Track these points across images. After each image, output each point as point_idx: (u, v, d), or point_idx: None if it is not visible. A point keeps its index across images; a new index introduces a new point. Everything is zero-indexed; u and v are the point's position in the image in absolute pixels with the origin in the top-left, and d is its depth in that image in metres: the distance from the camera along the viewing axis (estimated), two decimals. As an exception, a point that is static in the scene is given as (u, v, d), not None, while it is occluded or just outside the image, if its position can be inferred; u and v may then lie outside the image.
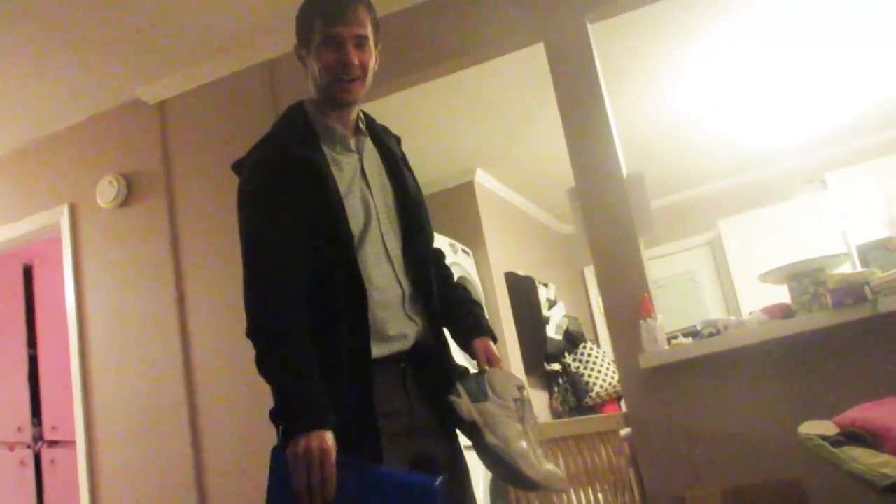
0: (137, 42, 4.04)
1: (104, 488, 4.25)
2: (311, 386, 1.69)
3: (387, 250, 1.95)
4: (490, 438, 1.89)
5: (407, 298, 1.94)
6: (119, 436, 4.27)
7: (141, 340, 4.31)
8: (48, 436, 4.99)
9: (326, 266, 1.83)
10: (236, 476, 3.84)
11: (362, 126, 2.05)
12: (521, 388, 2.02)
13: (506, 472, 1.88)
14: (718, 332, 3.19)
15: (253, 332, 1.77)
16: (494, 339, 2.15)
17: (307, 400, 1.67)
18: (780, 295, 3.29)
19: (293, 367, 1.70)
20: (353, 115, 2.04)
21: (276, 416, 1.70)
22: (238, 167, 1.99)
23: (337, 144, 1.99)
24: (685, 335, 3.30)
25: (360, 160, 2.01)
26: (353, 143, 2.02)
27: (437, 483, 1.69)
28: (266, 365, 1.73)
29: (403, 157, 2.15)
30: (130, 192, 4.52)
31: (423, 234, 2.05)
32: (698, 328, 3.28)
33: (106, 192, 4.52)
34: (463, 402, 1.94)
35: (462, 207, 5.75)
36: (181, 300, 4.25)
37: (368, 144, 2.05)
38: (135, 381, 4.29)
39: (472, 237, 5.67)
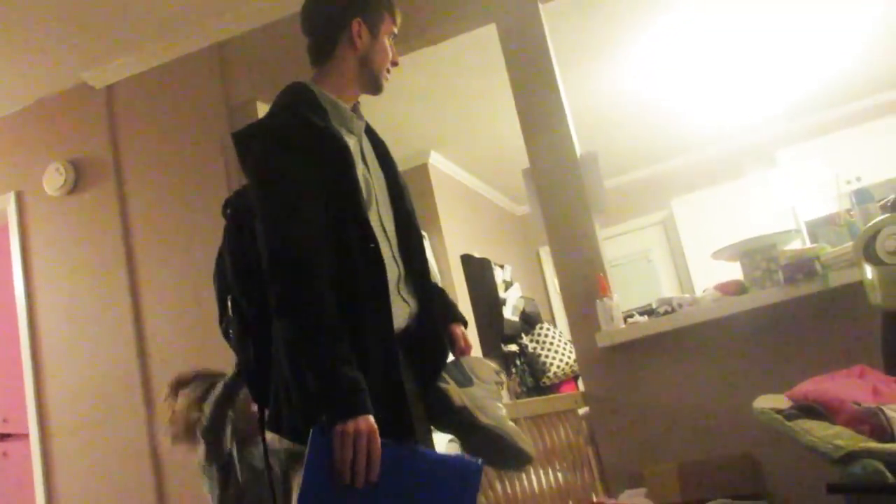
0: (83, 24, 3.95)
1: (59, 479, 4.19)
2: (354, 371, 1.67)
3: (384, 231, 1.95)
4: (484, 420, 1.91)
5: (401, 278, 1.93)
6: (73, 426, 4.20)
7: (93, 329, 4.24)
8: (0, 428, 4.89)
9: (346, 244, 1.80)
10: (194, 460, 3.80)
11: (360, 112, 2.06)
12: (498, 371, 2.05)
13: (502, 450, 1.89)
14: (673, 310, 3.22)
15: (287, 318, 1.71)
16: (466, 325, 2.18)
17: (352, 384, 1.65)
18: (733, 272, 3.33)
19: (334, 352, 1.67)
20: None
21: (314, 399, 1.66)
22: (245, 137, 1.90)
23: (344, 124, 1.97)
24: (641, 313, 3.33)
25: (360, 142, 2.01)
26: (355, 125, 2.01)
27: (480, 463, 1.70)
28: (304, 350, 1.68)
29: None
30: (79, 179, 4.43)
31: (413, 217, 2.05)
32: (654, 306, 3.30)
33: (53, 179, 4.42)
34: (452, 388, 1.95)
35: (416, 190, 5.73)
36: (133, 287, 4.19)
37: (362, 128, 2.06)
38: (88, 370, 4.22)
39: (427, 220, 5.66)
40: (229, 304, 1.96)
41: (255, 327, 1.88)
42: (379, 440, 1.63)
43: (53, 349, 4.33)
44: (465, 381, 1.99)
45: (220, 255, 2.04)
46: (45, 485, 4.20)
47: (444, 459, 1.76)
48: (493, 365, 2.08)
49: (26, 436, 4.38)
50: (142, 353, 4.10)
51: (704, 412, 3.15)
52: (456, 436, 1.96)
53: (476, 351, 5.53)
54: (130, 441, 4.03)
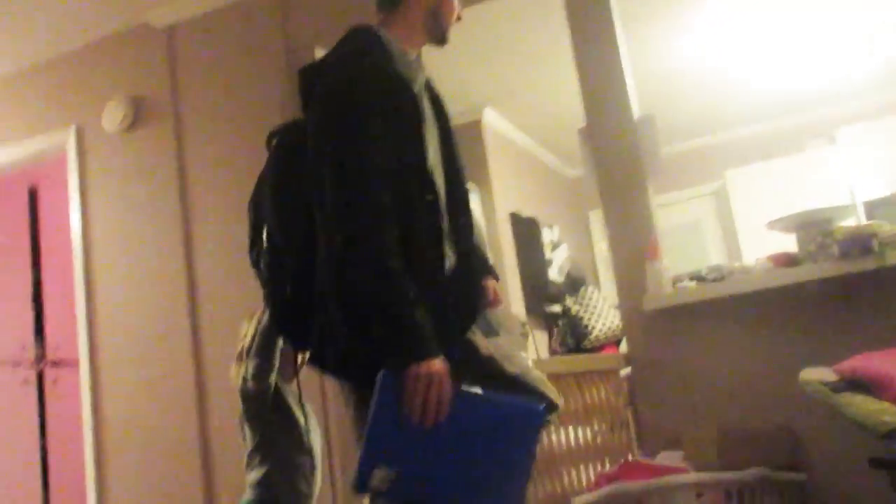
0: (149, -38, 3.98)
1: (106, 407, 4.31)
2: (425, 314, 1.69)
3: (437, 184, 1.95)
4: (511, 369, 1.93)
5: (445, 233, 1.94)
6: (122, 356, 4.31)
7: (145, 264, 4.32)
8: (51, 356, 5.03)
9: (407, 193, 1.81)
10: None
11: (422, 63, 2.06)
12: (523, 324, 2.10)
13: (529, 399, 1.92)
14: (723, 278, 3.19)
15: (354, 262, 1.71)
16: (497, 279, 2.20)
17: (425, 327, 1.68)
18: (785, 247, 3.29)
19: (406, 297, 1.69)
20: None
21: (384, 342, 1.68)
22: (313, 76, 1.90)
23: (409, 74, 1.95)
24: (690, 279, 3.31)
25: (421, 94, 1.99)
26: (418, 76, 2.00)
27: (543, 408, 1.76)
28: (375, 295, 1.69)
29: None
30: (137, 116, 4.49)
31: (463, 173, 2.05)
32: (703, 273, 3.28)
33: (113, 115, 4.49)
34: (479, 339, 1.97)
35: (469, 146, 5.72)
36: (186, 226, 4.26)
37: (424, 80, 2.05)
38: (138, 303, 4.32)
39: (477, 176, 5.65)
40: (264, 235, 1.99)
41: (294, 266, 1.89)
42: (450, 382, 1.65)
43: (106, 282, 4.43)
44: (491, 332, 2.01)
45: (259, 185, 2.05)
46: (93, 412, 4.32)
47: (508, 402, 1.79)
48: (518, 317, 2.13)
49: (76, 363, 4.50)
50: (191, 289, 4.18)
51: (747, 381, 3.14)
52: (482, 385, 1.97)
53: (519, 308, 5.55)
54: (176, 373, 4.13)
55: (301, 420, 2.88)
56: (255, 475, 2.85)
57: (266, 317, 2.80)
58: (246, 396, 2.85)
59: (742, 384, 3.15)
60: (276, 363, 2.83)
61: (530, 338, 3.70)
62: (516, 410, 1.73)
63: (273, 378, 2.84)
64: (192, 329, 4.13)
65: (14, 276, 5.10)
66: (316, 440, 2.95)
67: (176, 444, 4.10)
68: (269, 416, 2.86)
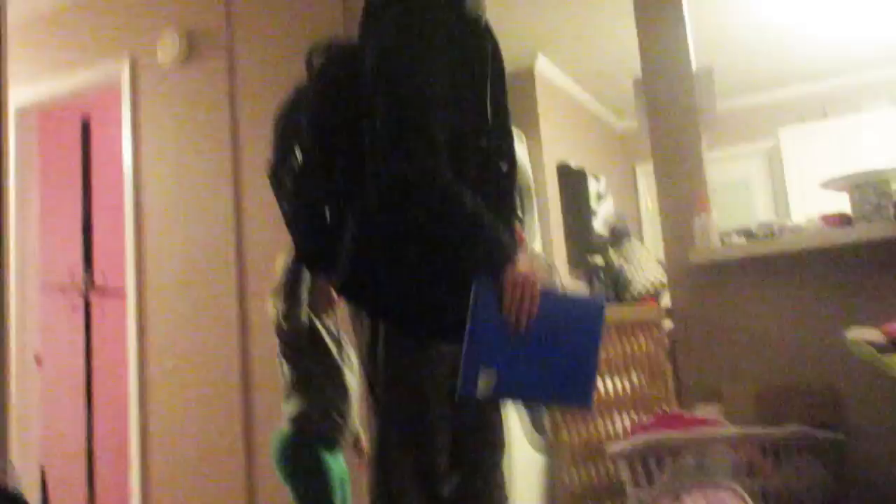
0: None
1: (151, 335, 4.39)
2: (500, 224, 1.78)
3: None
4: None
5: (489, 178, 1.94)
6: (168, 287, 4.38)
7: (194, 197, 4.37)
8: (99, 283, 5.13)
9: (461, 132, 1.83)
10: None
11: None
12: (550, 264, 2.13)
13: None
14: (773, 235, 3.15)
15: (423, 184, 1.73)
16: (522, 223, 2.19)
17: (506, 235, 1.77)
18: (837, 209, 3.23)
19: (482, 206, 1.75)
20: None
21: (477, 252, 1.73)
22: (378, 8, 1.89)
23: (478, 11, 1.94)
24: (739, 235, 3.27)
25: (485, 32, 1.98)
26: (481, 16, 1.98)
27: (603, 299, 2.02)
28: (456, 211, 1.73)
29: None
30: (191, 50, 4.50)
31: (510, 118, 2.03)
32: (753, 229, 3.24)
33: (167, 48, 4.50)
34: None
35: (519, 92, 5.67)
36: (236, 162, 4.29)
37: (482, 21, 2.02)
38: (186, 235, 4.37)
39: (527, 123, 5.60)
40: (296, 154, 1.97)
41: (336, 193, 1.89)
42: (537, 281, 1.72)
43: (155, 214, 4.49)
44: None
45: (293, 106, 2.05)
46: (138, 339, 4.41)
47: (577, 299, 1.99)
48: (544, 257, 2.14)
49: (123, 292, 4.59)
50: (238, 223, 4.22)
51: (790, 340, 3.11)
52: None
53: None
54: (221, 304, 4.19)
55: (336, 356, 2.91)
56: (291, 409, 2.89)
57: (291, 254, 2.80)
58: (280, 334, 2.88)
59: (785, 342, 3.12)
60: (304, 299, 2.83)
61: (556, 279, 3.68)
62: (587, 304, 1.88)
63: (304, 314, 2.85)
64: (237, 262, 4.18)
65: (65, 204, 5.19)
66: (352, 375, 2.98)
67: (218, 374, 4.18)
68: (304, 353, 2.89)
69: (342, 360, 2.96)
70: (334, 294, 2.89)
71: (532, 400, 1.93)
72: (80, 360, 5.05)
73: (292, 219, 2.02)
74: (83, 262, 5.20)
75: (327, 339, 2.93)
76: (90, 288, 5.15)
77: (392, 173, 1.74)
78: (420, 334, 1.84)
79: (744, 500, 1.16)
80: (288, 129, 2.04)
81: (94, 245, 5.27)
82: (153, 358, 4.37)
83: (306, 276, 2.84)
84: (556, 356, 1.75)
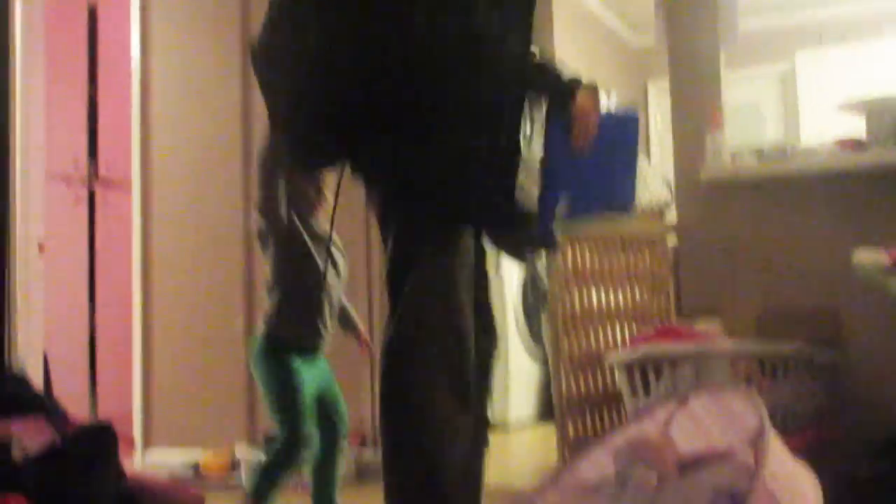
0: None
1: (155, 228, 4.40)
2: None
3: None
4: None
5: None
6: (174, 182, 4.36)
7: (203, 90, 4.32)
8: (103, 174, 5.11)
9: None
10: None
11: None
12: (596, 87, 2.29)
13: None
14: (786, 157, 3.13)
15: (480, 40, 1.81)
16: None
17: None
18: (850, 134, 3.20)
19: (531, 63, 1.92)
20: None
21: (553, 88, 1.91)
22: None
23: None
24: (751, 155, 3.25)
25: None
26: None
27: (637, 112, 2.38)
28: (511, 74, 1.85)
29: None
30: (202, -61, 4.40)
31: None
32: (764, 150, 3.22)
33: (176, -66, 4.39)
34: None
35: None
36: (245, 61, 4.22)
37: None
38: (193, 129, 4.34)
39: (539, 32, 5.50)
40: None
41: (351, 74, 1.81)
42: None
43: (162, 106, 4.44)
44: None
45: None
46: (142, 233, 4.42)
47: (616, 115, 2.48)
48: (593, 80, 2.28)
49: (127, 185, 4.58)
50: (246, 117, 4.18)
51: (795, 260, 3.12)
52: None
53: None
54: (226, 198, 4.19)
55: (317, 257, 2.74)
56: (267, 309, 2.78)
57: (265, 144, 2.63)
58: (257, 231, 2.76)
59: (790, 262, 3.13)
60: (282, 195, 2.65)
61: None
62: (626, 118, 2.22)
63: (283, 211, 2.66)
64: (243, 156, 4.15)
65: (70, 93, 5.12)
66: (337, 280, 2.83)
67: (222, 268, 4.20)
68: (281, 250, 2.73)
69: (326, 263, 2.78)
70: (326, 194, 2.74)
71: (592, 211, 2.12)
72: (84, 250, 5.07)
73: (288, 100, 1.95)
74: (88, 153, 5.17)
75: (308, 240, 2.74)
76: (94, 179, 5.13)
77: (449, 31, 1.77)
78: (457, 217, 1.83)
79: (751, 398, 1.17)
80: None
81: (98, 136, 5.23)
82: (157, 250, 4.39)
83: (280, 168, 2.62)
84: (607, 167, 1.96)
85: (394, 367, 1.77)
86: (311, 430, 2.70)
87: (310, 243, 2.74)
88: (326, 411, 2.81)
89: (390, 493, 1.77)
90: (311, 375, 2.75)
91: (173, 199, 4.38)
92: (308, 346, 2.76)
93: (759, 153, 3.27)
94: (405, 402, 1.75)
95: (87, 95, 5.24)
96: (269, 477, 2.67)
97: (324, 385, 2.82)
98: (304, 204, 2.75)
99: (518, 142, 1.90)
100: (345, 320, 2.95)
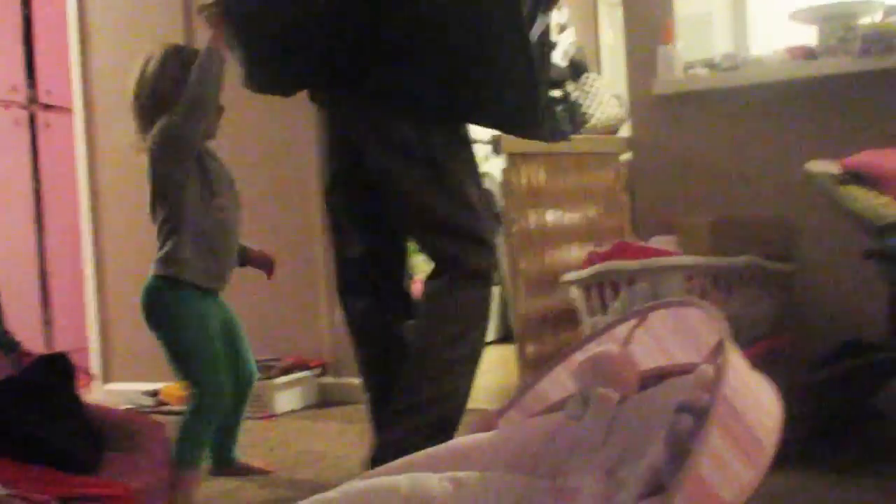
0: None
1: (101, 157, 4.30)
2: None
3: None
4: None
5: None
6: (118, 107, 4.23)
7: (142, 19, 4.17)
8: (43, 99, 4.95)
9: None
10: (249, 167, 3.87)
11: None
12: None
13: None
14: (737, 67, 3.12)
15: None
16: None
17: None
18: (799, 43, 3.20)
19: None
20: None
21: None
22: None
23: None
24: (703, 67, 3.24)
25: None
26: None
27: None
28: None
29: None
30: None
31: None
32: (717, 61, 3.21)
33: None
34: None
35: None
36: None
37: None
38: (135, 51, 4.19)
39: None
40: None
41: None
42: None
43: (100, 31, 4.30)
44: None
45: None
46: (88, 158, 4.31)
47: None
48: None
49: (68, 111, 4.45)
50: (188, 40, 4.06)
51: (749, 172, 3.15)
52: None
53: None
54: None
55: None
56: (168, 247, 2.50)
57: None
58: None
59: (743, 174, 3.16)
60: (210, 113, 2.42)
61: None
62: None
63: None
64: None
65: (2, 11, 4.91)
66: (235, 214, 2.59)
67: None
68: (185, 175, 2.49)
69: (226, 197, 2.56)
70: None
71: None
72: (28, 178, 4.94)
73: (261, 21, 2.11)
74: (26, 77, 4.99)
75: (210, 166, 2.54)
76: (35, 105, 4.96)
77: None
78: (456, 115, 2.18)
79: (710, 312, 1.18)
80: None
81: (35, 59, 5.04)
82: (103, 177, 4.29)
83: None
84: None
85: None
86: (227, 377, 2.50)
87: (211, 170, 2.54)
88: (235, 353, 2.60)
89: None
90: (215, 313, 2.55)
91: (117, 126, 4.26)
92: (216, 286, 2.54)
93: (711, 65, 3.26)
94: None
95: (22, 17, 5.04)
96: (198, 437, 2.44)
97: (229, 325, 2.62)
98: (213, 128, 2.54)
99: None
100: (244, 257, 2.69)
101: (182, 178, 2.47)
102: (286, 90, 2.40)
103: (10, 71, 4.86)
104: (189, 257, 2.45)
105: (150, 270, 2.51)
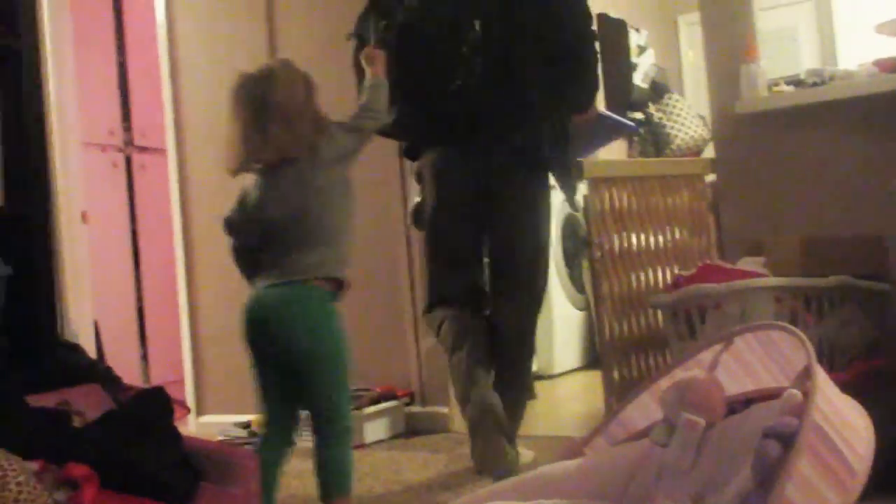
0: None
1: (193, 195, 4.44)
2: None
3: None
4: None
5: None
6: (207, 144, 4.38)
7: (230, 56, 4.32)
8: (138, 142, 5.15)
9: None
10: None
11: None
12: None
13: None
14: (823, 82, 3.06)
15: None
16: None
17: None
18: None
19: None
20: None
21: None
22: None
23: None
24: (787, 83, 3.18)
25: None
26: None
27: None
28: None
29: None
30: None
31: None
32: (802, 77, 3.15)
33: None
34: None
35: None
36: (271, 20, 4.22)
37: None
38: (223, 92, 4.33)
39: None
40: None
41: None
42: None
43: (191, 72, 4.45)
44: None
45: None
46: (181, 197, 4.45)
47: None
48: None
49: (163, 152, 4.61)
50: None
51: (838, 190, 3.07)
52: None
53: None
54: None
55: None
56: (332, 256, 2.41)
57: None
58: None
59: (832, 193, 3.08)
60: None
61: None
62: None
63: None
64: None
65: (99, 61, 5.14)
66: None
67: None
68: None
69: None
70: None
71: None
72: (126, 217, 5.13)
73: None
74: (122, 121, 5.20)
75: None
76: (130, 147, 5.17)
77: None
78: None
79: (797, 336, 1.16)
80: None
81: (131, 102, 5.26)
82: (196, 215, 4.42)
83: None
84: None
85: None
86: None
87: None
88: None
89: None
90: None
91: (208, 165, 4.40)
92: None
93: (796, 81, 3.20)
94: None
95: (117, 64, 5.26)
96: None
97: None
98: None
99: None
100: None
101: None
102: (429, 138, 2.92)
103: (107, 116, 5.08)
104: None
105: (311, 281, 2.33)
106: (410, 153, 3.07)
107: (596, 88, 2.98)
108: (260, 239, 2.41)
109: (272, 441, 2.40)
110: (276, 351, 2.32)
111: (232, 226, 2.51)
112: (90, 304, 3.70)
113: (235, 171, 2.44)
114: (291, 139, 2.32)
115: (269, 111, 2.33)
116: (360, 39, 2.81)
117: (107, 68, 5.17)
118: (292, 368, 2.30)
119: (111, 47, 5.20)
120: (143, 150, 5.14)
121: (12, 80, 2.86)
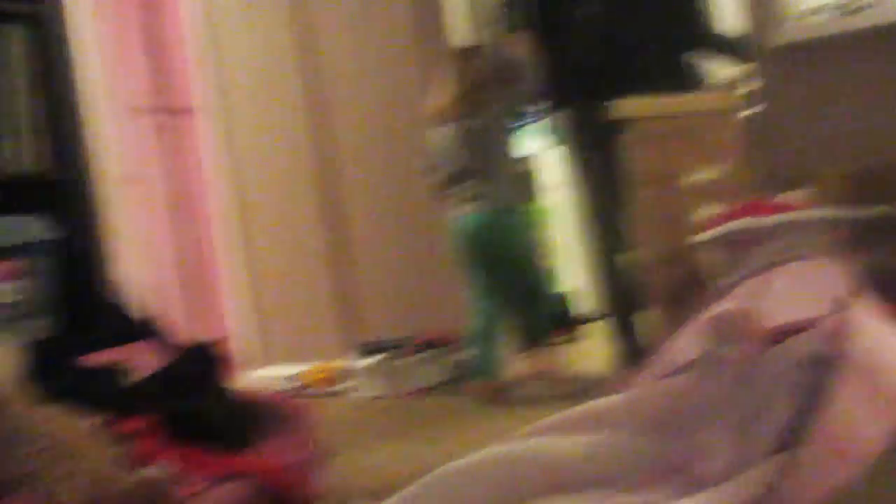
0: None
1: (232, 151, 4.48)
2: None
3: None
4: None
5: None
6: (241, 103, 4.40)
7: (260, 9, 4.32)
8: (173, 105, 5.19)
9: None
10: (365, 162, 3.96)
11: None
12: None
13: None
14: (870, 6, 2.98)
15: None
16: None
17: None
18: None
19: None
20: None
21: None
22: None
23: None
24: (832, 10, 3.09)
25: None
26: None
27: None
28: None
29: None
30: None
31: None
32: (845, 1, 3.06)
33: None
34: None
35: None
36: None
37: None
38: (254, 56, 4.35)
39: None
40: None
41: None
42: None
43: (227, 36, 4.46)
44: None
45: None
46: (221, 156, 4.50)
47: None
48: None
49: (193, 112, 4.65)
50: (301, 46, 4.17)
51: (883, 120, 2.99)
52: None
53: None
54: (294, 120, 4.22)
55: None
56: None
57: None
58: None
59: (877, 123, 3.00)
60: None
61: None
62: None
63: None
64: (303, 79, 4.16)
65: (129, 29, 5.16)
66: None
67: (301, 182, 4.26)
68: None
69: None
70: None
71: None
72: (164, 180, 5.19)
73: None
74: (156, 86, 5.23)
75: None
76: (167, 110, 5.21)
77: None
78: None
79: (841, 266, 1.15)
80: None
81: (164, 66, 5.29)
82: (236, 172, 4.46)
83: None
84: None
85: None
86: None
87: None
88: None
89: None
90: None
91: (247, 122, 4.43)
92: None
93: (840, 6, 3.11)
94: None
95: (147, 27, 5.28)
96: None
97: None
98: None
99: None
100: None
101: None
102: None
103: (139, 77, 5.12)
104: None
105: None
106: None
107: None
108: None
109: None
110: None
111: None
112: (137, 265, 3.77)
113: None
114: None
115: None
116: None
117: (137, 32, 5.20)
118: None
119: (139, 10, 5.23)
120: (178, 112, 5.18)
121: (42, 46, 2.88)
